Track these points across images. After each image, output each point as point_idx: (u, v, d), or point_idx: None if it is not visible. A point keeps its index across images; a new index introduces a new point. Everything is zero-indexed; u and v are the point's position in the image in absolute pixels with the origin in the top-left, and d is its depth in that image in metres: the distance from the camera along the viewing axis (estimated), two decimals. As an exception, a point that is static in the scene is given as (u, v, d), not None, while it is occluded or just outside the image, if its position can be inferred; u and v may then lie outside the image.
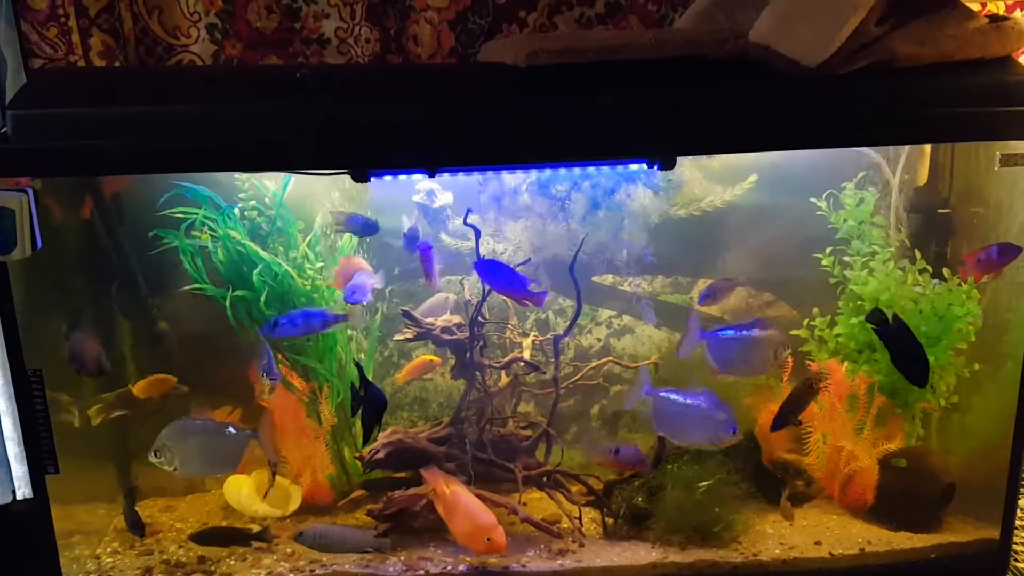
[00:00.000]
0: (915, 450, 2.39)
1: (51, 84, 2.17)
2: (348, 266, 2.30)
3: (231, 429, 2.11)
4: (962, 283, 2.25)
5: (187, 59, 2.35)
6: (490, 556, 2.17)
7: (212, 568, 2.20)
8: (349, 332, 2.48)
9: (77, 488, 2.21)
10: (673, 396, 2.12)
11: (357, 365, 2.14)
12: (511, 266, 2.20)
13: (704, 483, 2.26)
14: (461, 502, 2.16)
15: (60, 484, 2.02)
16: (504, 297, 2.35)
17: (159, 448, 2.04)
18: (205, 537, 2.29)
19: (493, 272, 2.19)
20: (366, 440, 2.28)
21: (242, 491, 2.40)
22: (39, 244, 1.83)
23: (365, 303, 2.25)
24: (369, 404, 2.09)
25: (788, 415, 2.21)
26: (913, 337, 2.11)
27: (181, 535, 2.34)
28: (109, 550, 2.29)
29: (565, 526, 2.33)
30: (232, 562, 2.21)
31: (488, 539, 2.10)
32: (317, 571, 2.17)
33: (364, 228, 2.29)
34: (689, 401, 2.10)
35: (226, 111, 1.88)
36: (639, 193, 2.39)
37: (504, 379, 2.51)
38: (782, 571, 2.20)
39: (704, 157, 2.41)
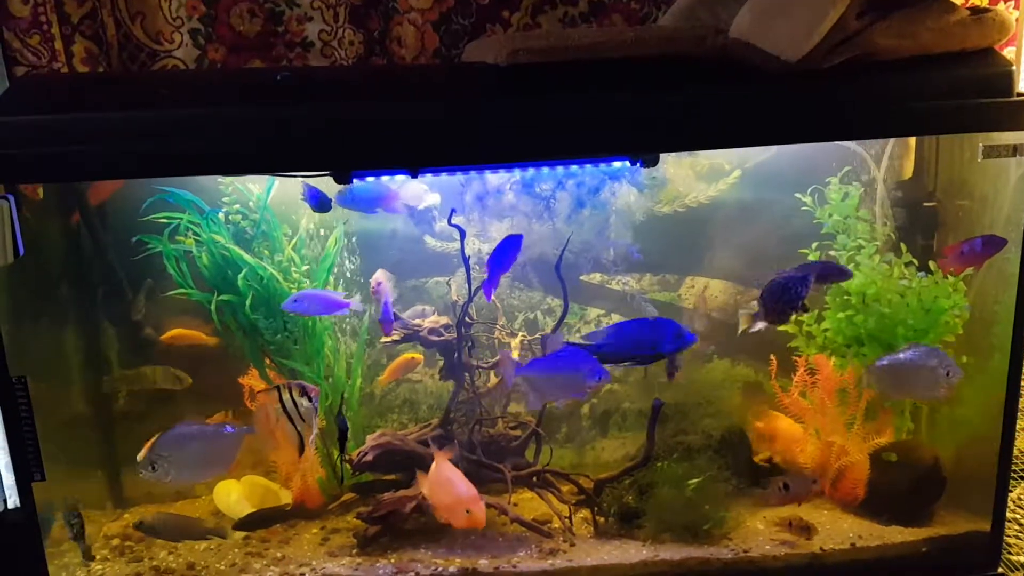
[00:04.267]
0: (905, 444, 2.39)
1: (33, 91, 2.17)
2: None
3: (228, 428, 2.06)
4: (948, 276, 2.25)
5: (170, 64, 2.35)
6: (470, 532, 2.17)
7: (202, 574, 2.19)
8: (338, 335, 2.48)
9: (66, 495, 2.20)
10: (889, 361, 2.12)
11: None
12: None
13: (694, 481, 2.26)
14: (443, 475, 2.15)
15: (48, 492, 2.01)
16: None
17: (155, 460, 1.96)
18: (248, 523, 2.34)
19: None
20: (341, 451, 2.27)
21: (231, 496, 2.40)
22: (21, 251, 1.83)
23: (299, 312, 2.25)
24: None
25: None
26: None
27: (170, 541, 2.34)
28: (99, 557, 2.28)
29: (555, 526, 2.33)
30: (221, 567, 2.21)
31: (468, 511, 2.10)
32: (307, 575, 2.16)
33: (316, 202, 2.17)
34: (907, 358, 2.10)
35: (209, 115, 1.87)
36: (624, 191, 2.39)
37: (493, 380, 2.50)
38: (773, 567, 2.19)
39: (688, 154, 2.41)
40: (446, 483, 2.14)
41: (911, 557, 2.23)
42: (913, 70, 1.91)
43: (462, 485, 2.13)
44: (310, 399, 2.00)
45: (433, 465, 2.18)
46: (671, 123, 1.90)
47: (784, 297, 2.04)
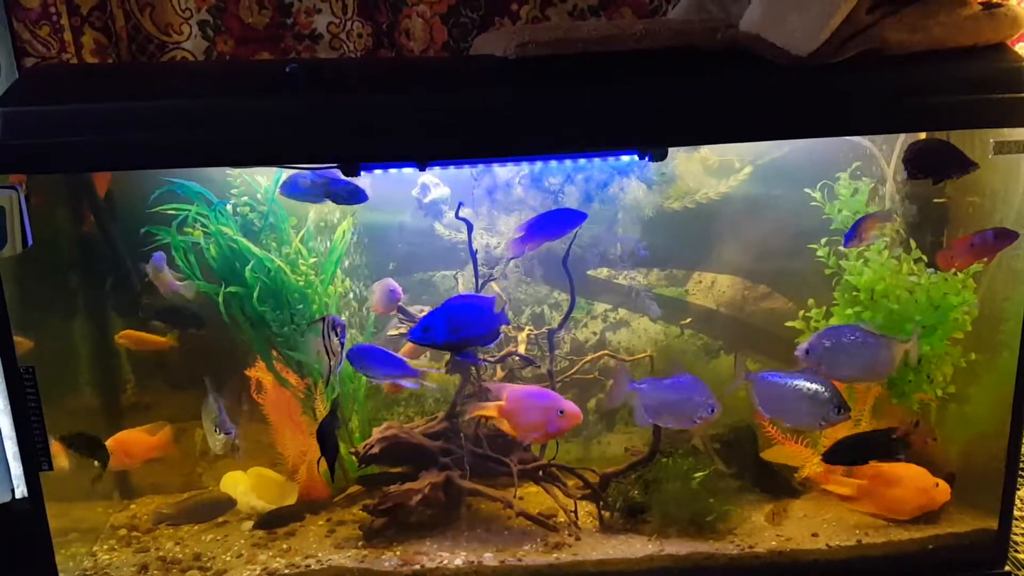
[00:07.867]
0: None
1: (42, 81, 2.16)
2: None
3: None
4: (957, 272, 2.23)
5: (179, 56, 2.35)
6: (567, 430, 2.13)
7: (208, 564, 2.20)
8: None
9: (73, 485, 2.21)
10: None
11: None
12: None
13: (699, 475, 2.26)
14: (516, 396, 2.11)
15: (56, 482, 2.02)
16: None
17: (228, 429, 2.16)
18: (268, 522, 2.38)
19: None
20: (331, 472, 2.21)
21: (238, 487, 2.40)
22: (30, 241, 1.83)
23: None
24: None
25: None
26: None
27: (178, 531, 2.35)
28: (105, 547, 2.29)
29: (561, 520, 2.33)
30: (228, 558, 2.22)
31: (561, 412, 2.07)
32: (312, 566, 2.17)
33: (343, 192, 2.10)
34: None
35: (217, 107, 1.87)
36: (633, 186, 2.39)
37: (499, 373, 2.50)
38: (778, 563, 2.19)
39: (697, 149, 2.40)
40: (524, 400, 2.10)
41: (918, 554, 2.22)
42: (924, 65, 1.90)
43: (538, 393, 2.11)
44: (338, 335, 2.03)
45: (492, 405, 2.12)
46: (680, 117, 1.89)
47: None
